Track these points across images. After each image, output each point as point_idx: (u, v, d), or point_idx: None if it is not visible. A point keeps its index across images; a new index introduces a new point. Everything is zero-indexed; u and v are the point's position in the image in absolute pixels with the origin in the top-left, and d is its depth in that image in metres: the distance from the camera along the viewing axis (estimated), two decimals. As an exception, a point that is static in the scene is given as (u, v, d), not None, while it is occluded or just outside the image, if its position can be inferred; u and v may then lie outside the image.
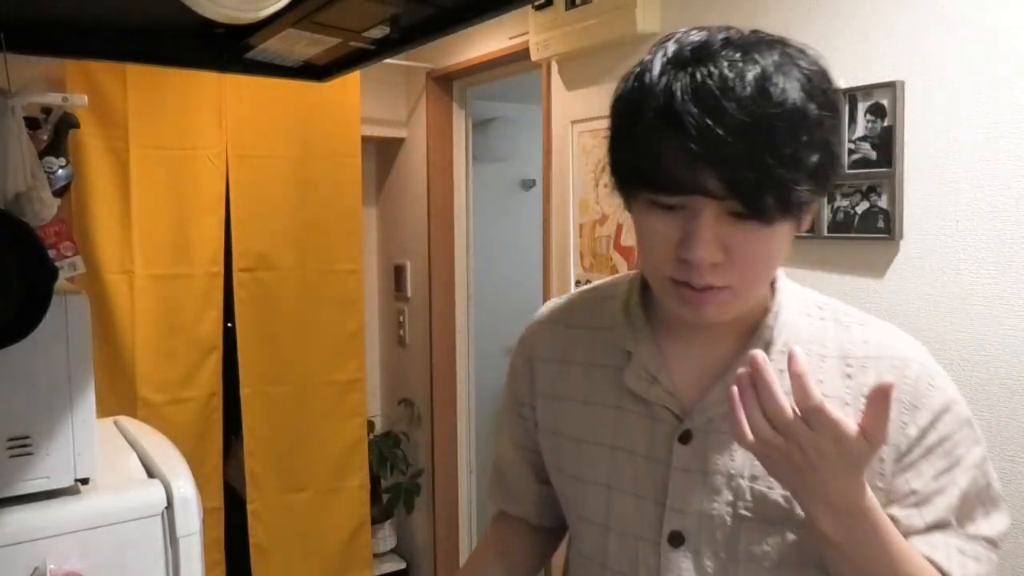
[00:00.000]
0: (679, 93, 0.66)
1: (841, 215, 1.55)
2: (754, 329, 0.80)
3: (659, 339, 0.84)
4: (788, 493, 0.73)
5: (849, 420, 0.64)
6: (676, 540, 0.79)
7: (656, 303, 0.83)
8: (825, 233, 1.57)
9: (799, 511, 0.72)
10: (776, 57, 0.67)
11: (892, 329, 0.81)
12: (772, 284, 0.81)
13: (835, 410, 0.64)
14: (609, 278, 0.98)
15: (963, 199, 1.38)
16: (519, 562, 1.01)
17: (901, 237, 1.47)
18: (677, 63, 0.68)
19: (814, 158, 0.67)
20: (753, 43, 0.68)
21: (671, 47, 0.70)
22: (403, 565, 3.27)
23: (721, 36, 0.69)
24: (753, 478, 0.76)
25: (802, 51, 0.70)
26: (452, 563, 3.12)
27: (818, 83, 0.68)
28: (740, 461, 0.77)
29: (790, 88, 0.66)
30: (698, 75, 0.66)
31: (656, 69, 0.69)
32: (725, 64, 0.66)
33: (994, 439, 1.35)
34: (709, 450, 0.78)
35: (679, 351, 0.82)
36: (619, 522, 0.83)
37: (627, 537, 0.82)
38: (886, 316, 1.50)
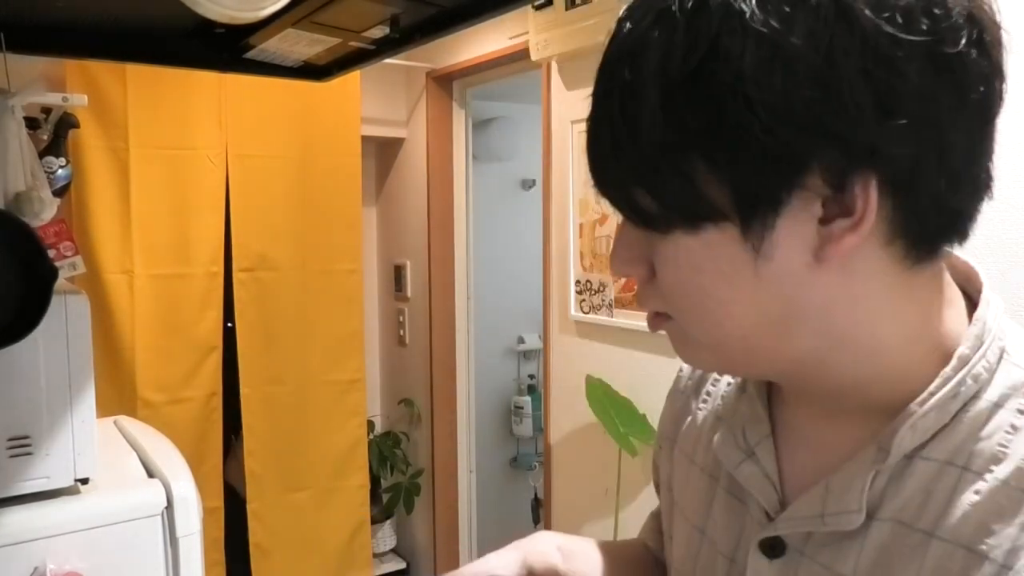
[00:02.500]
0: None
1: (841, 215, 1.54)
2: (895, 415, 0.48)
3: (776, 400, 0.58)
4: None
5: None
6: None
7: None
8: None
9: None
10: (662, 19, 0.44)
11: None
12: (960, 346, 0.49)
13: None
14: None
15: (963, 199, 1.38)
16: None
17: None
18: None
19: (674, 136, 0.43)
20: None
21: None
22: (403, 565, 3.28)
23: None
24: None
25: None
26: (452, 563, 3.12)
27: (704, 45, 0.42)
28: None
29: (652, 50, 0.43)
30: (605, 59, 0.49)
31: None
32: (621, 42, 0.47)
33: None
34: None
35: (796, 423, 0.55)
36: None
37: None
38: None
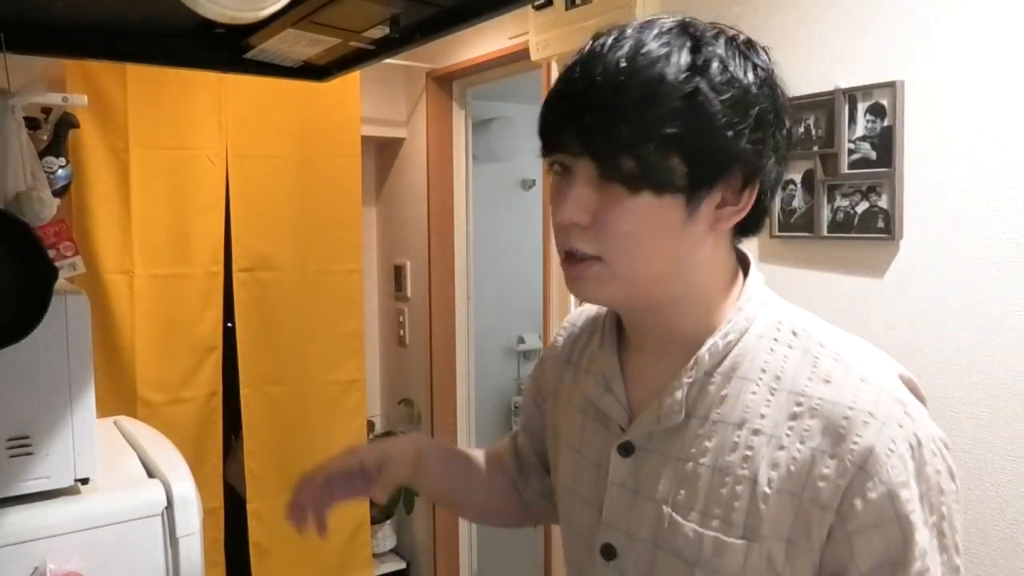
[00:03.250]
0: (571, 63, 0.70)
1: (841, 215, 1.55)
2: (699, 347, 0.74)
3: (625, 351, 0.82)
4: (700, 528, 0.69)
5: None
6: (608, 553, 0.77)
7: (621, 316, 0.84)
8: (824, 233, 1.57)
9: (708, 550, 0.69)
10: (678, 39, 0.68)
11: (875, 372, 0.69)
12: (738, 300, 0.75)
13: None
14: None
15: (963, 199, 1.38)
16: (494, 488, 1.05)
17: (901, 237, 1.47)
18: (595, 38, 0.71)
19: (671, 129, 0.65)
20: (672, 27, 0.69)
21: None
22: (403, 565, 3.27)
23: (650, 21, 0.70)
24: (675, 507, 0.71)
25: (738, 45, 0.70)
26: (452, 563, 3.12)
27: (722, 74, 0.67)
28: (665, 487, 0.73)
29: (663, 62, 0.66)
30: (588, 52, 0.69)
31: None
32: (625, 38, 0.68)
33: (995, 439, 1.35)
34: (642, 470, 0.75)
35: (639, 364, 0.80)
36: (575, 526, 0.84)
37: (582, 541, 0.82)
38: (886, 316, 1.51)
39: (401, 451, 0.95)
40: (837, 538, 0.65)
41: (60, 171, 2.08)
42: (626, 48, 0.67)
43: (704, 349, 0.73)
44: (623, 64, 0.66)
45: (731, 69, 0.68)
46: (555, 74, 2.34)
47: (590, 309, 0.96)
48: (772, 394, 0.70)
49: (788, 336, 0.73)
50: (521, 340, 3.83)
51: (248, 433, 2.69)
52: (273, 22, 1.13)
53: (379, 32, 1.20)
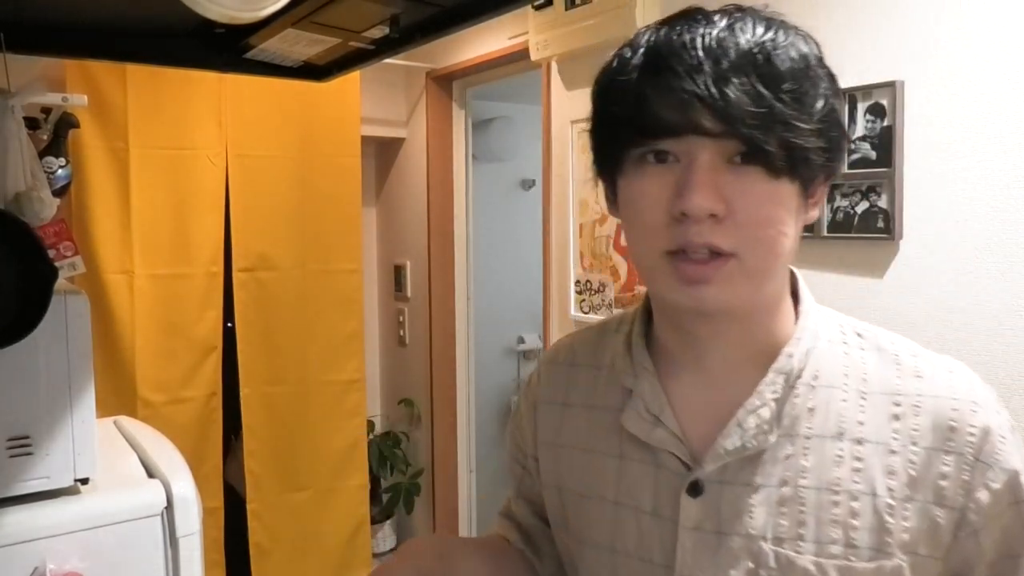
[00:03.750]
0: (667, 42, 0.62)
1: (841, 215, 1.55)
2: (773, 359, 0.67)
3: (664, 374, 0.72)
4: (819, 558, 0.62)
5: None
6: None
7: (661, 334, 0.73)
8: (825, 233, 1.57)
9: None
10: (772, 21, 0.63)
11: (952, 363, 0.67)
12: (796, 309, 0.70)
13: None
14: (618, 312, 0.88)
15: (963, 199, 1.38)
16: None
17: (901, 237, 1.47)
18: (663, 26, 0.64)
19: (820, 104, 0.61)
20: (745, 10, 0.64)
21: (656, 25, 0.66)
22: (403, 565, 3.27)
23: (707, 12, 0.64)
24: (778, 540, 0.63)
25: (797, 28, 0.65)
26: (452, 563, 3.12)
27: (819, 52, 0.64)
28: (762, 520, 0.64)
29: (794, 39, 0.62)
30: (687, 31, 0.62)
31: (641, 37, 0.65)
32: (720, 21, 0.62)
33: (994, 439, 1.35)
34: (724, 505, 0.65)
35: (687, 386, 0.70)
36: None
37: None
38: (886, 316, 1.50)
39: None
40: (962, 537, 0.61)
41: (60, 171, 2.08)
42: (748, 23, 0.62)
43: (784, 359, 0.66)
44: (765, 37, 0.60)
45: (822, 54, 0.64)
46: (555, 74, 2.34)
47: (575, 341, 0.85)
48: (864, 399, 0.65)
49: (855, 338, 0.69)
50: (521, 340, 3.84)
51: (248, 433, 2.69)
52: (273, 22, 1.13)
53: (379, 32, 1.20)
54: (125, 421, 1.51)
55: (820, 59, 0.63)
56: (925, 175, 1.43)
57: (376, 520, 3.17)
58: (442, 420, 3.11)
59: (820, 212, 0.74)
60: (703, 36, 0.61)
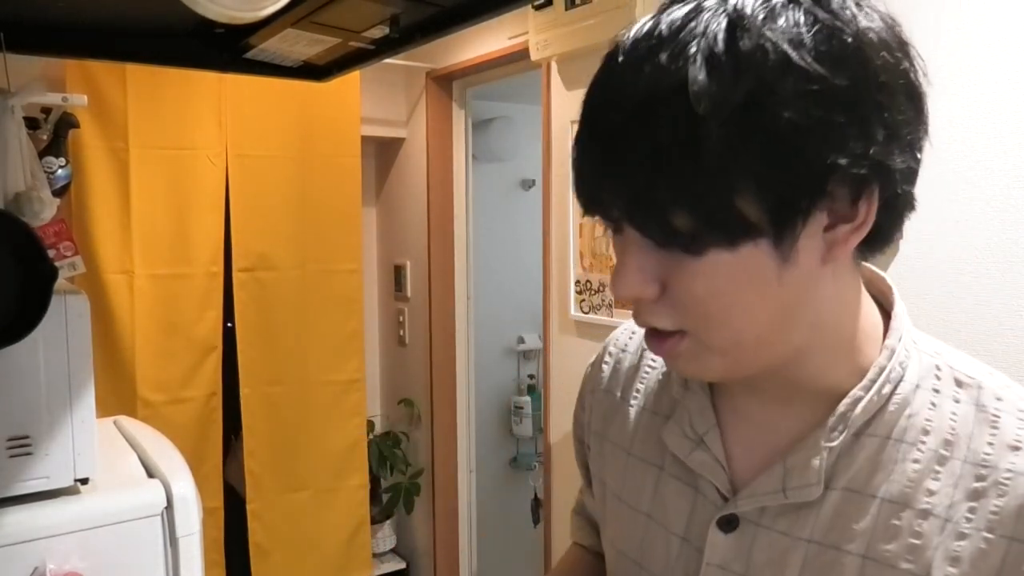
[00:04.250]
0: (595, 82, 0.53)
1: (841, 215, 1.55)
2: (845, 394, 0.57)
3: (718, 389, 0.64)
4: None
5: None
6: None
7: None
8: (825, 233, 1.57)
9: None
10: (712, 18, 0.48)
11: None
12: (886, 337, 0.58)
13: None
14: None
15: (963, 199, 1.38)
16: None
17: (901, 237, 1.47)
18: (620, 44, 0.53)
19: (723, 163, 0.47)
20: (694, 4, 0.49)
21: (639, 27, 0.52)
22: (403, 565, 3.27)
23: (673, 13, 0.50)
24: None
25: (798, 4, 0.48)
26: (452, 563, 3.12)
27: (783, 66, 0.46)
28: (795, 574, 0.57)
29: (685, 66, 0.47)
30: (614, 57, 0.52)
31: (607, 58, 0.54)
32: (644, 38, 0.50)
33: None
34: (756, 550, 0.58)
35: (741, 411, 0.62)
36: None
37: None
38: (886, 316, 1.51)
39: None
40: None
41: (60, 171, 2.08)
42: (644, 53, 0.49)
43: (851, 402, 0.56)
44: (641, 83, 0.48)
45: (796, 54, 0.46)
46: (555, 74, 2.34)
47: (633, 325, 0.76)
48: (942, 464, 0.54)
49: (951, 387, 0.57)
50: (521, 340, 3.83)
51: (248, 433, 2.69)
52: (273, 22, 1.13)
53: (379, 32, 1.20)
54: (125, 421, 1.51)
55: (732, 77, 0.47)
56: (925, 175, 1.43)
57: (376, 520, 3.17)
58: (442, 420, 3.11)
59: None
60: (609, 76, 0.51)
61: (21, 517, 1.09)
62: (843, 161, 0.47)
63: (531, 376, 3.88)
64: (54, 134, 2.09)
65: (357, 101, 2.82)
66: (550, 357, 2.46)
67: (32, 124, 1.97)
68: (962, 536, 0.52)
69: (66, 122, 2.12)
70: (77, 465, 1.14)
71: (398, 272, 3.27)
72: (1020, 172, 1.31)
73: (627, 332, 0.80)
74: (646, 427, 0.69)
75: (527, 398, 3.77)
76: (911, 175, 0.53)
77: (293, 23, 1.15)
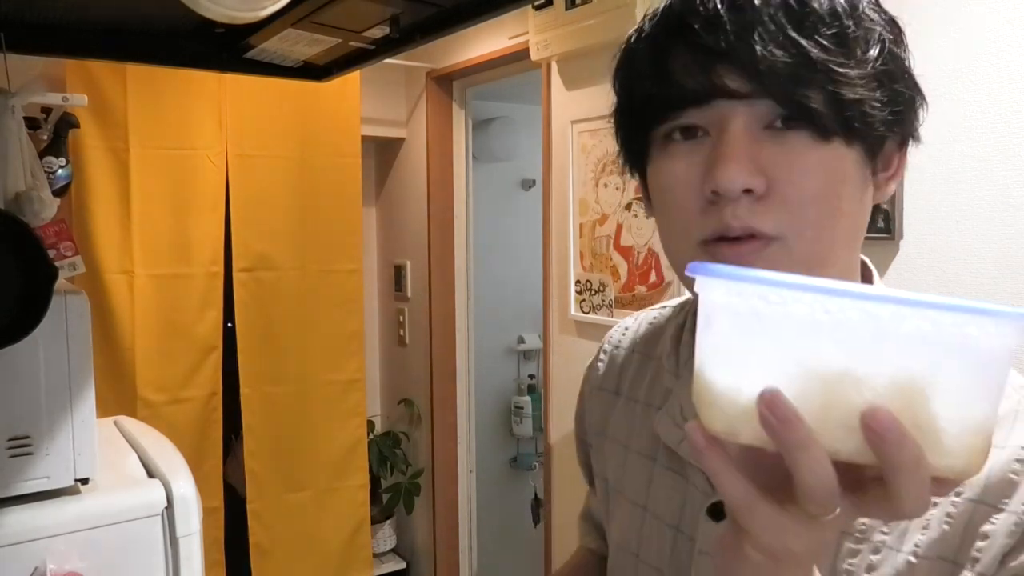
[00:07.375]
0: (680, 4, 0.54)
1: (841, 215, 1.55)
2: None
3: None
4: None
5: None
6: None
7: None
8: (825, 233, 1.57)
9: None
10: None
11: None
12: None
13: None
14: (687, 296, 0.74)
15: (963, 199, 1.38)
16: None
17: (901, 237, 1.47)
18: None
19: (874, 50, 0.51)
20: None
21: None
22: (403, 565, 3.27)
23: None
24: None
25: None
26: (452, 563, 3.12)
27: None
28: None
29: None
30: None
31: (661, 3, 0.57)
32: None
33: (994, 439, 1.35)
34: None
35: None
36: None
37: None
38: (886, 316, 1.50)
39: None
40: None
41: (60, 171, 2.08)
42: None
43: None
44: None
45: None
46: (555, 74, 2.34)
47: (640, 323, 0.78)
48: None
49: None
50: (521, 340, 3.83)
51: (248, 433, 2.69)
52: (273, 22, 1.13)
53: (379, 32, 1.20)
54: (125, 421, 1.51)
55: (874, 1, 0.54)
56: (925, 175, 1.43)
57: (376, 520, 3.17)
58: (442, 420, 3.11)
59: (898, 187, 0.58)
60: None
61: (21, 517, 1.09)
62: (914, 102, 0.54)
63: (531, 376, 3.88)
64: (54, 134, 2.10)
65: (357, 101, 2.82)
66: (550, 357, 2.46)
67: (32, 124, 1.97)
68: (934, 503, 0.52)
69: (66, 122, 2.13)
70: (77, 465, 1.14)
71: (398, 272, 3.27)
72: (1020, 172, 1.31)
73: (621, 329, 0.80)
74: (641, 420, 0.70)
75: (527, 398, 3.77)
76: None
77: (293, 23, 1.15)
